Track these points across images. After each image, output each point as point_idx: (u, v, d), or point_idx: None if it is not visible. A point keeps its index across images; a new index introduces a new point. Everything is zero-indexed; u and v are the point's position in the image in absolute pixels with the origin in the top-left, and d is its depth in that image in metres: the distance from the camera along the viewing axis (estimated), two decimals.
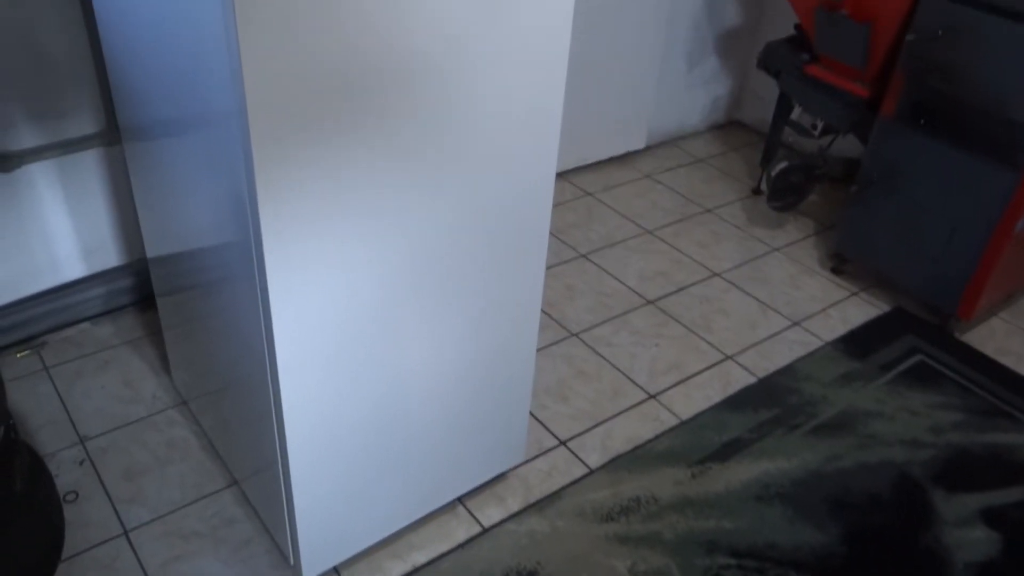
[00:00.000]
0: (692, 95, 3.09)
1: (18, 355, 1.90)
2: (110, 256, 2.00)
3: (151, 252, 1.65)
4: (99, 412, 1.77)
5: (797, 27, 2.52)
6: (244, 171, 1.05)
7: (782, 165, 2.52)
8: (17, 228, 1.84)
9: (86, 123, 1.84)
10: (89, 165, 1.87)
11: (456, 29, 1.12)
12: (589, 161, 2.88)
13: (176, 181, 1.35)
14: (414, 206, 1.22)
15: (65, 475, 1.63)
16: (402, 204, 1.20)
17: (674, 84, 2.99)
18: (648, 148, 3.02)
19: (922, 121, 2.12)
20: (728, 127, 3.25)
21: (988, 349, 2.18)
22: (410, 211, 1.22)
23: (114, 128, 1.86)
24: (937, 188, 2.13)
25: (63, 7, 1.70)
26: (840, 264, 2.45)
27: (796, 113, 2.64)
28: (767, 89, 3.09)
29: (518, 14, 1.17)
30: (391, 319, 1.29)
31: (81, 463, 1.66)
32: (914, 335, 2.21)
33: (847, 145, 2.70)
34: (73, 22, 1.73)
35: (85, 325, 1.99)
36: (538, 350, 1.82)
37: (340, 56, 1.03)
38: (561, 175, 2.80)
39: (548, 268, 2.26)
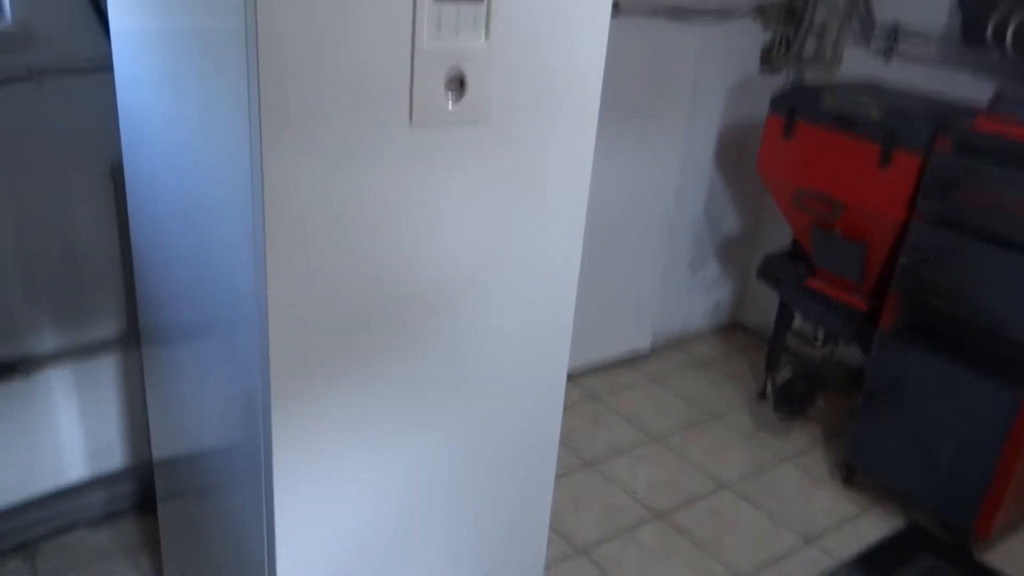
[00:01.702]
0: (695, 299, 3.20)
1: (10, 563, 1.86)
2: (115, 458, 2.01)
3: (158, 453, 1.67)
4: None
5: (794, 240, 2.66)
6: (260, 378, 1.09)
7: (786, 375, 2.57)
8: (27, 430, 1.87)
9: (108, 325, 1.91)
10: (106, 368, 1.93)
11: (472, 265, 1.21)
12: (595, 363, 2.94)
13: (191, 384, 1.40)
14: (426, 428, 1.26)
15: None
16: (414, 426, 1.24)
17: (677, 288, 3.11)
18: (653, 350, 3.09)
19: (921, 337, 2.19)
20: (731, 329, 3.34)
21: (1013, 572, 2.12)
22: (421, 433, 1.25)
23: (134, 331, 1.94)
24: (942, 403, 2.16)
25: (98, 208, 1.82)
26: (850, 475, 2.44)
27: (798, 321, 2.73)
28: (768, 294, 3.20)
29: (533, 243, 1.26)
30: (396, 539, 1.29)
31: None
32: (932, 554, 2.16)
33: (851, 352, 2.76)
34: (106, 224, 1.84)
35: (82, 532, 1.97)
36: (545, 569, 1.78)
37: (359, 287, 1.11)
38: (568, 377, 2.85)
39: (555, 478, 2.25)
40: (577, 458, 2.44)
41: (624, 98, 2.56)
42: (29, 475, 1.90)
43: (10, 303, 1.77)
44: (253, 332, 1.09)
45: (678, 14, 2.57)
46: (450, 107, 1.10)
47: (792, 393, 2.60)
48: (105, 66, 1.65)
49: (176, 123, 1.27)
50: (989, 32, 2.24)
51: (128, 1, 1.35)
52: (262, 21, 0.94)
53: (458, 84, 1.10)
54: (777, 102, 2.47)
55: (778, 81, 2.93)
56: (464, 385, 1.27)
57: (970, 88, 2.44)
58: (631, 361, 3.01)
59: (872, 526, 2.25)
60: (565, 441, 2.49)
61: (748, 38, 2.83)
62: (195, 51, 1.16)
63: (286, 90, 0.98)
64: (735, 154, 3.00)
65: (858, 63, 2.76)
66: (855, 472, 2.43)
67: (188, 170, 1.25)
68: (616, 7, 2.32)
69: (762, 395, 2.86)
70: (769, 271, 2.67)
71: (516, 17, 1.12)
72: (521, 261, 1.26)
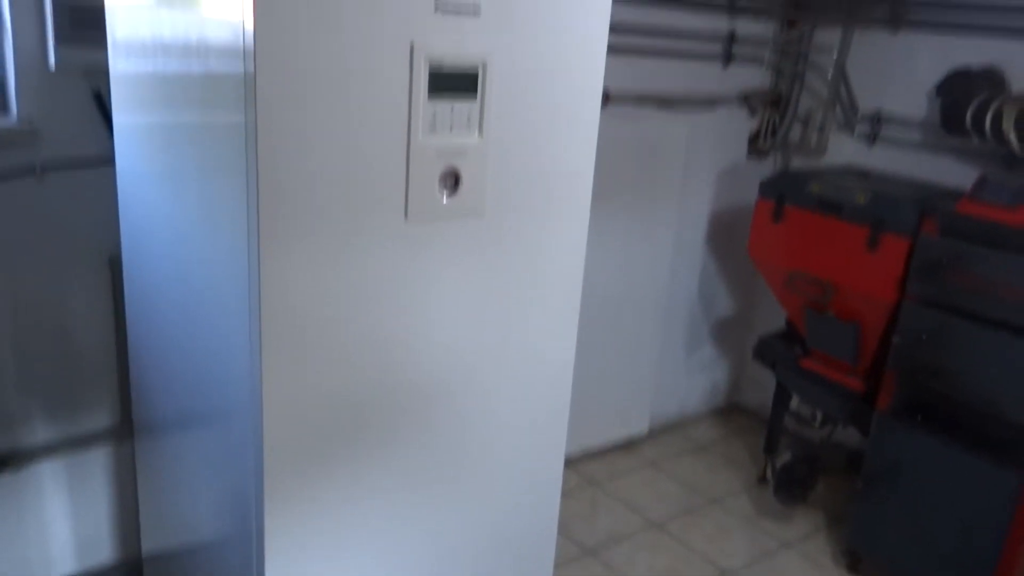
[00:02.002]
0: (692, 381, 3.19)
1: None
2: (104, 552, 1.97)
3: (148, 547, 1.64)
4: None
5: (787, 322, 2.68)
6: (253, 471, 1.08)
7: (786, 459, 2.54)
8: (16, 523, 1.84)
9: (101, 417, 1.90)
10: (97, 461, 1.91)
11: (468, 357, 1.21)
12: (593, 448, 2.91)
13: (183, 477, 1.38)
14: (422, 520, 1.24)
15: None
16: (409, 519, 1.22)
17: (674, 370, 3.10)
18: (651, 434, 3.06)
19: (919, 418, 2.18)
20: (729, 411, 3.32)
21: None
22: (417, 525, 1.24)
23: (127, 423, 1.92)
24: (943, 485, 2.13)
25: (95, 299, 1.82)
26: (855, 562, 2.39)
27: (796, 403, 2.72)
28: (765, 375, 3.19)
29: (529, 333, 1.27)
30: None
31: None
32: None
33: (850, 434, 2.74)
34: (102, 315, 1.84)
35: None
36: None
37: (355, 381, 1.11)
38: (565, 464, 2.82)
39: (554, 568, 2.20)
40: (576, 546, 2.39)
41: (616, 184, 2.61)
42: (16, 570, 1.85)
43: (3, 394, 1.77)
44: (247, 425, 1.09)
45: (666, 103, 2.65)
46: (445, 201, 1.13)
47: (792, 477, 2.57)
48: (107, 160, 1.69)
49: (175, 216, 1.30)
50: (968, 119, 2.31)
51: (131, 98, 1.39)
52: (262, 119, 0.97)
53: (453, 179, 1.13)
54: (766, 187, 2.52)
55: (766, 166, 3.01)
56: (461, 476, 1.26)
57: (953, 172, 2.50)
58: (629, 445, 2.98)
59: None
60: (564, 529, 2.45)
61: (735, 125, 2.91)
62: (196, 147, 1.19)
63: (284, 186, 1.00)
64: (727, 237, 3.05)
65: (843, 149, 2.83)
66: (860, 558, 2.38)
67: (186, 263, 1.27)
68: (606, 97, 2.39)
69: (762, 479, 2.82)
70: (764, 352, 2.68)
71: (509, 113, 1.16)
72: (517, 352, 1.27)
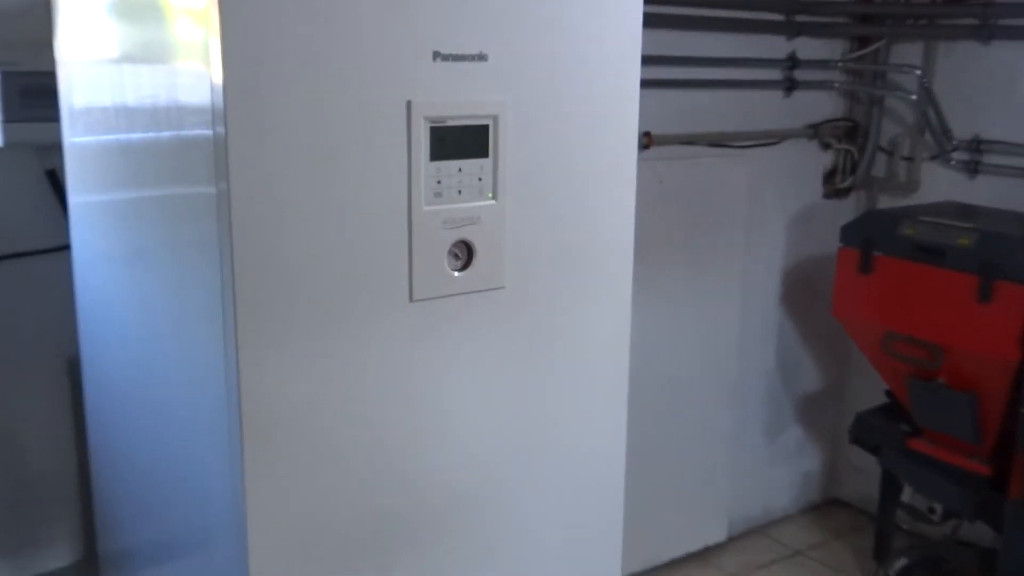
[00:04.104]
0: (776, 473, 3.13)
1: None
2: None
3: None
4: None
5: (889, 394, 2.63)
6: None
7: (902, 564, 2.47)
8: None
9: (61, 553, 1.90)
10: None
11: (490, 463, 1.21)
12: (660, 561, 2.85)
13: None
14: None
15: None
16: None
17: (753, 461, 3.05)
18: (731, 540, 3.00)
19: None
20: (826, 507, 3.24)
21: None
22: None
23: (92, 559, 1.92)
24: None
25: (52, 413, 1.84)
26: None
27: (908, 493, 2.65)
28: (868, 461, 3.12)
29: (566, 428, 1.27)
30: None
31: None
32: None
33: (979, 529, 2.66)
34: (61, 431, 1.86)
35: None
36: None
37: (353, 498, 1.12)
38: None
39: None
40: None
41: (666, 240, 2.62)
42: None
43: None
44: (230, 552, 1.09)
45: (721, 141, 2.67)
46: (456, 276, 1.14)
47: None
48: (61, 246, 1.73)
49: (138, 307, 1.32)
50: None
51: (88, 173, 1.44)
52: (236, 189, 0.99)
53: (465, 251, 1.15)
54: (849, 233, 2.51)
55: (847, 208, 3.00)
56: None
57: None
58: (704, 555, 2.92)
59: None
60: None
61: (806, 161, 2.92)
62: (161, 225, 1.22)
63: (264, 266, 1.02)
64: (806, 295, 3.03)
65: (938, 183, 2.82)
66: None
67: (153, 362, 1.29)
68: (647, 140, 2.42)
69: None
70: (864, 433, 2.63)
71: (528, 170, 1.18)
72: (552, 452, 1.26)
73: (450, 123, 1.10)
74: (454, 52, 1.08)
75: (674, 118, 2.54)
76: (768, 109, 2.75)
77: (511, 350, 1.21)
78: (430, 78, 1.08)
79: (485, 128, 1.13)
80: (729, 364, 2.88)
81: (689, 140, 2.60)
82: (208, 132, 1.02)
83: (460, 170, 1.12)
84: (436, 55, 1.07)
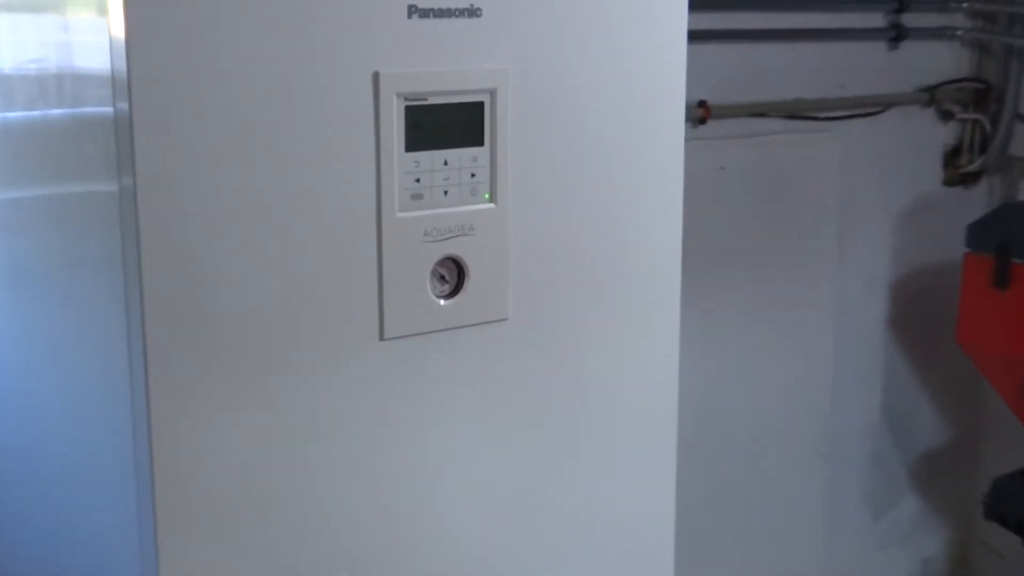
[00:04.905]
0: (885, 558, 3.13)
1: None
2: None
3: None
4: None
5: None
6: None
7: None
8: None
9: None
10: None
11: (492, 555, 1.21)
12: None
13: None
14: None
15: None
16: None
17: (854, 543, 3.04)
18: None
19: None
20: None
21: None
22: None
23: None
24: None
25: None
26: None
27: None
28: (1010, 541, 3.11)
29: (594, 503, 1.28)
30: None
31: None
32: None
33: None
34: None
35: None
36: None
37: None
38: None
39: None
40: None
41: (728, 245, 2.62)
42: None
43: None
44: None
45: (801, 110, 2.67)
46: (442, 304, 1.15)
47: None
48: None
49: (22, 344, 1.33)
50: None
51: None
52: (143, 182, 0.98)
53: (454, 270, 1.15)
54: (978, 233, 2.51)
55: (975, 200, 2.99)
56: None
57: None
58: None
59: None
60: None
61: (919, 136, 2.91)
62: (49, 233, 1.23)
63: (181, 292, 1.02)
64: (920, 318, 3.02)
65: None
66: None
67: (41, 425, 1.30)
68: (702, 112, 2.42)
69: None
70: (1003, 504, 2.62)
71: (537, 161, 1.19)
72: (576, 536, 1.26)
73: (432, 100, 1.10)
74: (436, 5, 1.09)
75: (738, 82, 2.54)
76: (867, 67, 2.75)
77: (516, 406, 1.21)
78: (404, 40, 1.08)
79: (479, 107, 1.13)
80: (819, 413, 2.87)
81: (759, 111, 2.60)
82: (108, 109, 1.02)
83: (446, 163, 1.12)
84: (412, 9, 1.07)
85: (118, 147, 1.01)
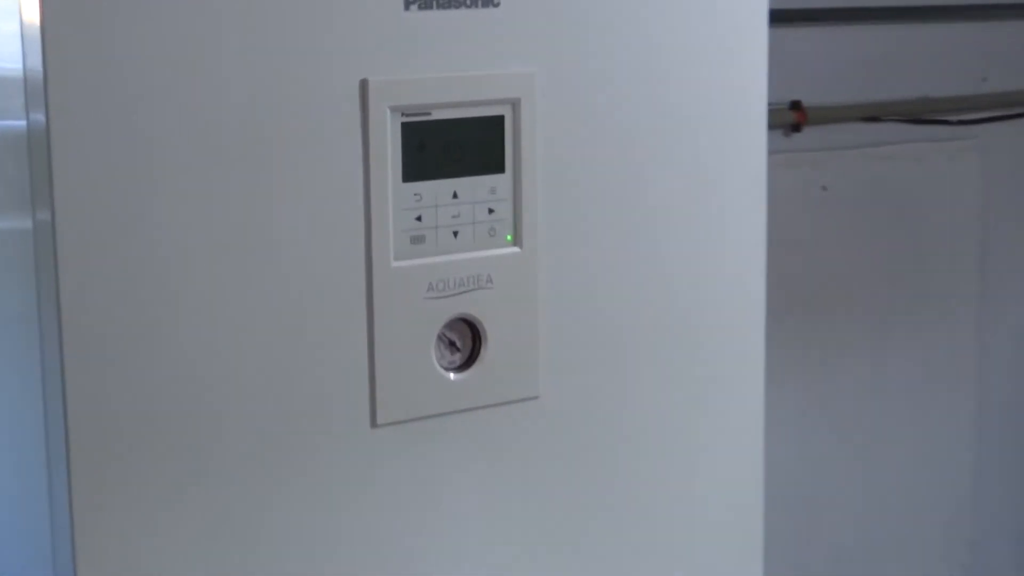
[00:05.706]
0: None
1: None
2: None
3: None
4: None
5: None
6: None
7: None
8: None
9: None
10: None
11: None
12: None
13: None
14: None
15: None
16: None
17: None
18: None
19: None
20: None
21: None
22: None
23: None
24: None
25: None
26: None
27: None
28: None
29: None
30: None
31: None
32: None
33: None
34: None
35: None
36: None
37: None
38: None
39: None
40: None
41: (834, 296, 2.62)
42: None
43: None
44: None
45: (928, 112, 2.67)
46: (452, 379, 1.16)
47: None
48: None
49: None
50: None
51: None
52: (63, 218, 0.96)
53: (467, 334, 1.16)
54: None
55: None
56: None
57: None
58: None
59: None
60: None
61: None
62: None
63: (111, 362, 1.01)
64: None
65: None
66: None
67: None
68: (798, 116, 2.41)
69: None
70: None
71: (573, 192, 1.19)
72: None
73: (437, 115, 1.12)
74: None
75: (844, 76, 2.54)
76: (1016, 54, 2.75)
77: (549, 515, 1.22)
78: (401, 39, 1.09)
79: (498, 122, 1.14)
80: (958, 511, 2.86)
81: (871, 114, 2.60)
82: (20, 123, 1.03)
83: (456, 196, 1.13)
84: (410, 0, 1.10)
85: (31, 171, 1.02)
